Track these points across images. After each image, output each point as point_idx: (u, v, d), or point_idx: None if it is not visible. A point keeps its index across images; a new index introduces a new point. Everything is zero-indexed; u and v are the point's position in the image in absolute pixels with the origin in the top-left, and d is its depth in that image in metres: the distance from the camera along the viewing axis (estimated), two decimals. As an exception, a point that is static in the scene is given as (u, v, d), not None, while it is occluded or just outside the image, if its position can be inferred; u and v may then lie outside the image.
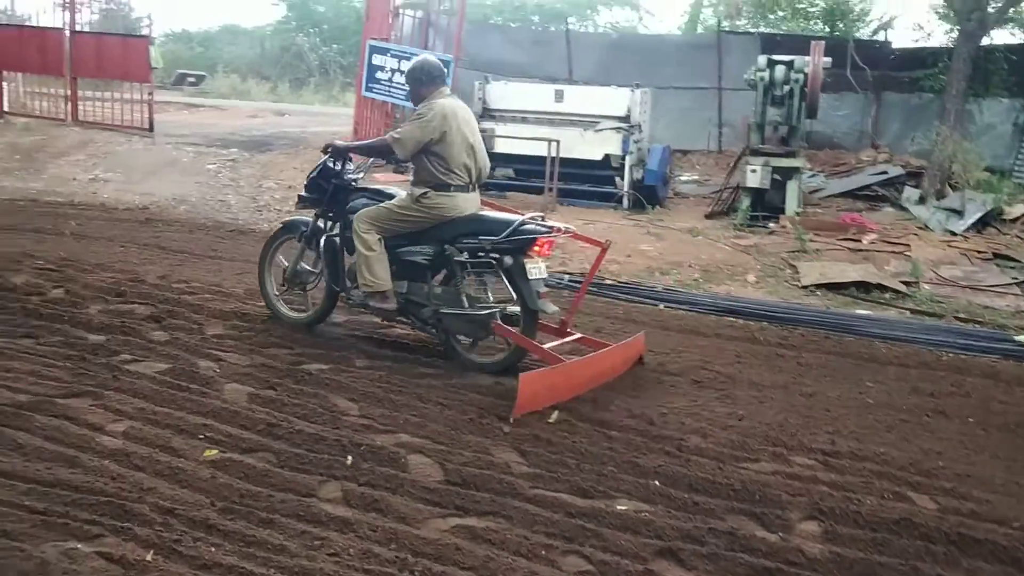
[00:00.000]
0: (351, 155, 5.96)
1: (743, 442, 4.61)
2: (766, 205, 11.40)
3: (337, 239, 5.87)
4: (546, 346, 5.39)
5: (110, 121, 15.48)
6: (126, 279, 6.99)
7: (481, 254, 5.28)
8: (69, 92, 15.93)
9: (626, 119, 11.65)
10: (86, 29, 16.50)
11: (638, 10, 33.56)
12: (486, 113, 12.14)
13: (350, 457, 4.01)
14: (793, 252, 9.55)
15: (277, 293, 6.24)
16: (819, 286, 8.43)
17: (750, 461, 4.38)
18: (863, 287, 8.37)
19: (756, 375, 5.88)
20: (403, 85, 12.01)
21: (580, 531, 3.52)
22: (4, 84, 16.97)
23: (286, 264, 6.14)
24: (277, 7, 35.84)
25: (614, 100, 11.79)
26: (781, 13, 19.77)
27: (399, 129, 5.56)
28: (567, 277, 8.20)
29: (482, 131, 11.48)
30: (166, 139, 14.63)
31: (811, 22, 18.90)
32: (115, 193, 11.39)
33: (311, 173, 6.06)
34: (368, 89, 12.84)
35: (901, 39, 22.96)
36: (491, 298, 5.53)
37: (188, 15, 58.81)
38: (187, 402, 4.55)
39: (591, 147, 11.58)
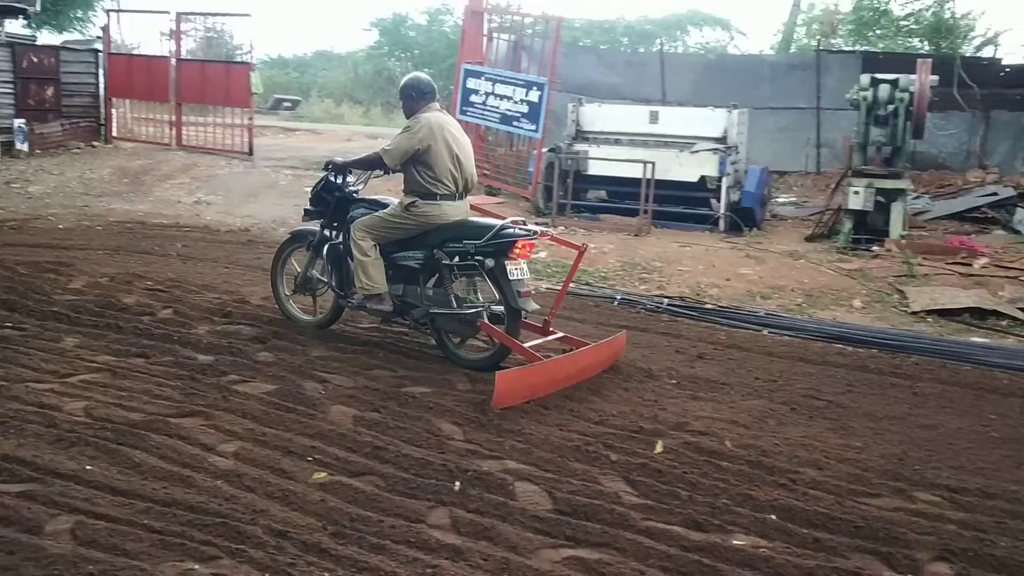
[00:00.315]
0: (351, 169, 6.27)
1: (861, 476, 4.41)
2: (869, 228, 11.05)
3: (340, 247, 6.19)
4: (528, 344, 5.64)
5: (212, 145, 16.00)
6: (231, 300, 7.13)
7: (467, 257, 5.57)
8: (174, 117, 16.52)
9: (723, 140, 11.47)
10: (189, 57, 17.06)
11: (729, 30, 33.20)
12: (579, 135, 12.10)
13: (458, 483, 3.96)
14: (900, 276, 9.21)
15: (288, 296, 6.64)
16: (930, 312, 8.09)
17: (871, 496, 4.18)
18: (977, 313, 8.00)
19: (870, 405, 5.65)
20: (497, 108, 12.13)
21: (697, 566, 3.39)
22: (113, 110, 17.71)
23: (297, 271, 6.52)
24: (370, 33, 36.65)
25: (711, 121, 11.63)
26: (880, 31, 19.26)
27: (389, 142, 5.90)
28: (666, 301, 8.05)
29: (575, 153, 11.73)
30: (265, 162, 15.01)
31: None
32: (218, 215, 11.69)
33: (315, 187, 6.44)
34: (462, 112, 12.91)
35: (1013, 55, 22.15)
36: (478, 299, 5.82)
37: (284, 41, 60.66)
38: (294, 423, 4.58)
39: (687, 169, 11.42)
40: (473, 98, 12.66)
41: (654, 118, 11.86)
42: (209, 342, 5.92)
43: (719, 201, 11.44)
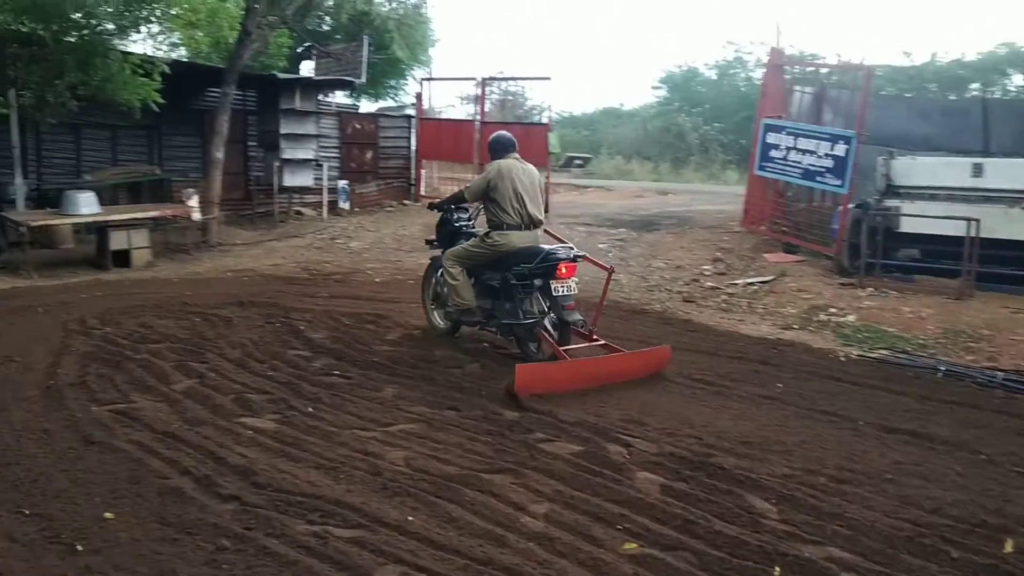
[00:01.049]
0: (451, 205, 7.75)
1: None
2: None
3: None
4: (573, 347, 6.94)
5: (510, 203, 16.68)
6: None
7: (524, 278, 6.89)
8: (476, 177, 17.44)
9: (1064, 195, 10.22)
10: (490, 120, 18.00)
11: (1057, 69, 29.94)
12: (890, 191, 11.30)
13: (777, 568, 3.69)
14: None
15: (432, 308, 8.15)
16: None
17: None
18: None
19: None
20: (799, 163, 11.68)
21: None
22: (422, 171, 19.06)
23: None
24: (659, 89, 37.01)
25: (1049, 173, 10.41)
26: None
27: (471, 182, 7.44)
28: (1000, 375, 7.21)
29: (886, 210, 10.97)
30: (559, 219, 15.41)
31: None
32: (516, 271, 12.11)
33: (437, 223, 8.07)
34: (761, 168, 12.55)
35: None
36: (537, 311, 6.99)
37: (573, 99, 63.05)
38: (602, 488, 4.51)
39: (1018, 226, 10.27)
40: (773, 153, 12.27)
41: (978, 171, 10.81)
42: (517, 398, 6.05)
43: (1061, 263, 10.16)
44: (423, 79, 19.20)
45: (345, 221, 16.25)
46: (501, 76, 17.78)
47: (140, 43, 14.77)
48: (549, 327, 7.02)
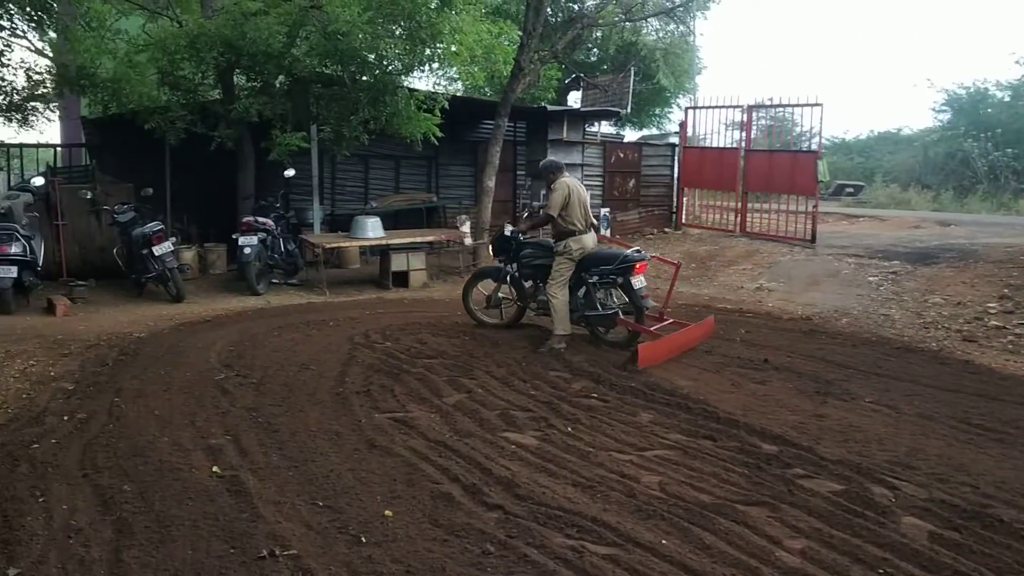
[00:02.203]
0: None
1: None
2: None
3: (517, 274, 9.27)
4: (656, 327, 8.64)
5: (774, 232, 16.31)
6: (810, 388, 7.11)
7: (605, 276, 8.43)
8: (739, 205, 17.21)
9: None
10: (755, 147, 17.66)
11: None
12: None
13: (1060, 633, 3.42)
14: None
15: (479, 309, 9.69)
16: None
17: None
18: None
19: None
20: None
21: None
22: (684, 199, 19.06)
23: (481, 295, 9.79)
24: (943, 113, 34.51)
25: None
26: None
27: (546, 203, 8.73)
28: None
29: None
30: (827, 250, 14.85)
31: None
32: (779, 302, 11.82)
33: (494, 239, 9.62)
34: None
35: None
36: (613, 302, 8.60)
37: (846, 124, 59.93)
38: (863, 530, 4.37)
39: None
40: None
41: None
42: (775, 432, 5.95)
43: None
44: (688, 107, 19.21)
45: (606, 248, 16.56)
46: (768, 103, 17.33)
47: (423, 79, 15.94)
48: (623, 314, 8.58)
